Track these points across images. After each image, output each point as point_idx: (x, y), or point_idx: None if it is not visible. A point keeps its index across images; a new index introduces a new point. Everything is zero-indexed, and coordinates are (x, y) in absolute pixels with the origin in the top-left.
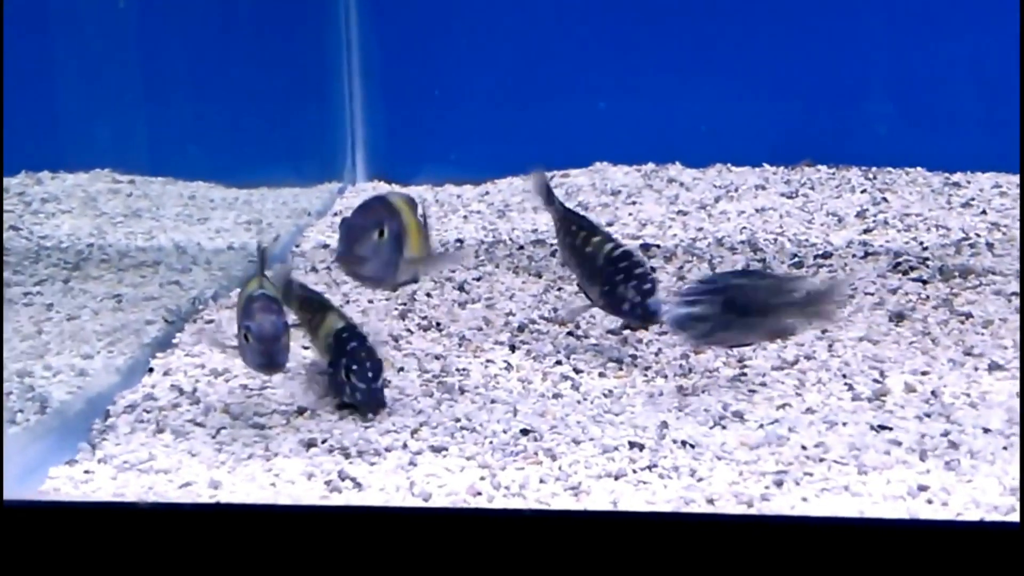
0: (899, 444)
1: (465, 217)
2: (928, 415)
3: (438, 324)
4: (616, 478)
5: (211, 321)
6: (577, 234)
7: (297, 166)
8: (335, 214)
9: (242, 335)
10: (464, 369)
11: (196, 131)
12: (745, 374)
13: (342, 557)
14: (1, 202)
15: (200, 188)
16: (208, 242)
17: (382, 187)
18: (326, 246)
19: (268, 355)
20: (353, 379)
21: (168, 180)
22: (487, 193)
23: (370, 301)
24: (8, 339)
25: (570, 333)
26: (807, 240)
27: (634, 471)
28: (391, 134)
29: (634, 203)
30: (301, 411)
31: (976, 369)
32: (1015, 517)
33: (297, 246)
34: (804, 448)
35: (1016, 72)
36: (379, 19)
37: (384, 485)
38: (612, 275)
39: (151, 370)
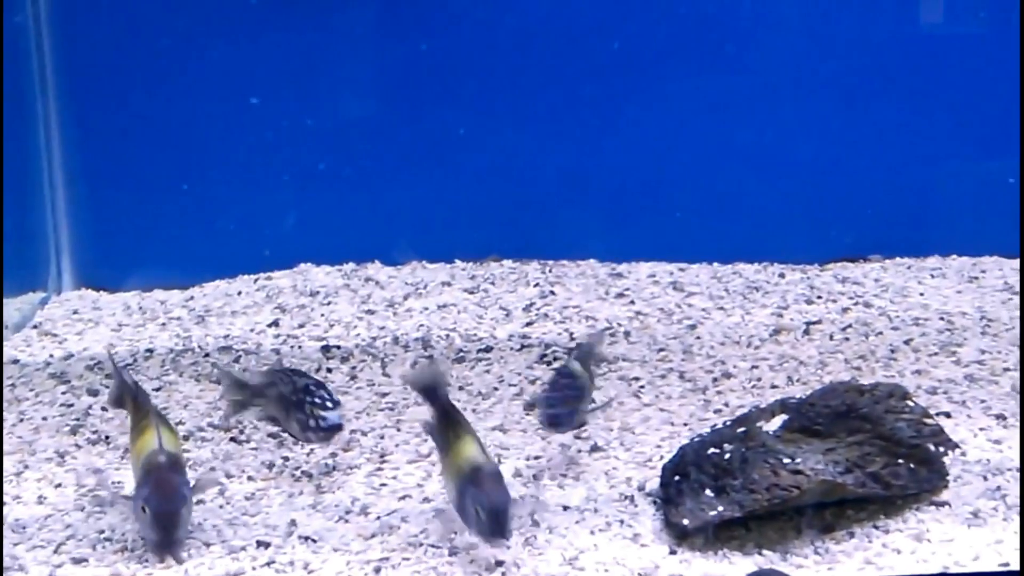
0: None
1: (163, 324)
2: (524, 497)
3: (107, 438)
4: None
5: None
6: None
7: None
8: (34, 326)
9: (139, 506)
10: (119, 481)
11: None
12: (382, 468)
13: None
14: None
15: None
16: None
17: (89, 295)
18: (16, 361)
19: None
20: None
21: None
22: (192, 298)
23: (44, 418)
24: None
25: (233, 439)
26: (475, 335)
27: (253, 568)
28: (97, 240)
29: (329, 303)
30: None
31: (580, 452)
32: None
33: None
34: (410, 535)
35: (684, 162)
36: (80, 123)
37: None
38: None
39: None
